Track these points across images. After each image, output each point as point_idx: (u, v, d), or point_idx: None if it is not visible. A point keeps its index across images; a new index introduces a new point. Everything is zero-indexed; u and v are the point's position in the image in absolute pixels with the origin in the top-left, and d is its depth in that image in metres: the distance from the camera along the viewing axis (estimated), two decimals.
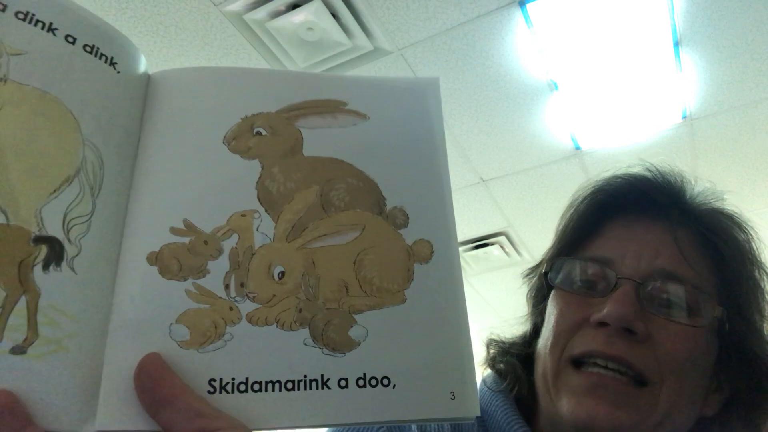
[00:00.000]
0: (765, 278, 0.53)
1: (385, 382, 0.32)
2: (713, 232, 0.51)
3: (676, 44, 2.32)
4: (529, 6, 2.14)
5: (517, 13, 2.17)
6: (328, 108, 0.37)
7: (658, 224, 0.52)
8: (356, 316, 0.33)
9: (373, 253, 0.35)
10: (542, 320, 0.55)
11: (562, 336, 0.50)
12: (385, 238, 0.35)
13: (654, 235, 0.51)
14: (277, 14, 2.15)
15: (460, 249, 3.73)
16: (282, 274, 0.33)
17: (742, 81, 2.52)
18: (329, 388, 0.32)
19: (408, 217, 0.36)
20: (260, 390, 0.31)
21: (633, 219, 0.53)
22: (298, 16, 2.13)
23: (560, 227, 0.58)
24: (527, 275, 0.61)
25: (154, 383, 0.28)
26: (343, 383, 0.32)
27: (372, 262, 0.34)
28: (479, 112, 2.66)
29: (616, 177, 0.56)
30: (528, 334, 0.58)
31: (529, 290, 0.60)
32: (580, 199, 0.57)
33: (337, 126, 0.37)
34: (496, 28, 2.23)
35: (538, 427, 0.52)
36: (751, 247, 0.53)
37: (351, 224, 0.35)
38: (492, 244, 3.68)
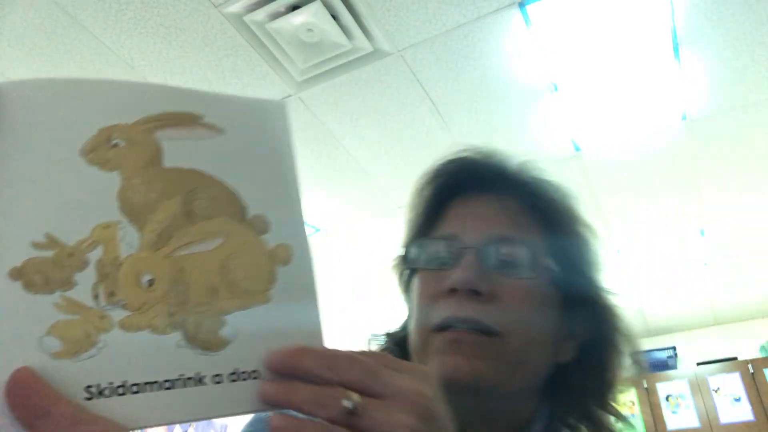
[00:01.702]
0: (590, 233, 0.60)
1: (255, 375, 0.35)
2: (537, 197, 0.58)
3: (676, 45, 2.32)
4: (528, 7, 2.14)
5: (517, 14, 2.17)
6: (185, 120, 0.39)
7: (490, 197, 0.58)
8: (226, 317, 0.36)
9: (238, 258, 0.37)
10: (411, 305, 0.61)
11: (424, 309, 0.56)
12: (247, 243, 0.38)
13: (487, 207, 0.58)
14: (277, 15, 2.15)
15: None
16: (151, 281, 0.35)
17: (741, 82, 2.52)
18: (205, 384, 0.34)
19: (268, 224, 0.38)
20: (138, 391, 0.32)
21: (469, 196, 0.59)
22: (298, 18, 2.13)
23: (409, 214, 0.63)
24: (394, 266, 0.65)
25: (26, 396, 0.29)
26: (217, 379, 0.34)
27: (237, 267, 0.37)
28: (479, 113, 2.66)
29: (449, 161, 0.62)
30: (403, 322, 0.63)
31: (398, 279, 0.64)
32: (422, 186, 0.63)
33: (194, 138, 0.38)
34: (495, 30, 2.24)
35: None
36: (572, 207, 0.60)
37: (215, 232, 0.37)
38: None
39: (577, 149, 2.91)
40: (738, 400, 4.48)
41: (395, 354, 0.59)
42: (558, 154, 2.94)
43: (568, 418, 0.57)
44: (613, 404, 0.59)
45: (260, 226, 0.38)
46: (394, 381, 0.33)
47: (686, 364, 4.92)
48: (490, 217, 0.57)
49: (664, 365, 4.89)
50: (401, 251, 0.62)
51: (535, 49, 2.32)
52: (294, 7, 2.11)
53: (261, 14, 2.13)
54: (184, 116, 0.39)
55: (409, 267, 0.60)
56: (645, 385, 4.78)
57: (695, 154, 2.97)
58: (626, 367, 0.61)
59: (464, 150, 0.63)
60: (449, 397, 0.47)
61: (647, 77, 2.49)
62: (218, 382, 0.34)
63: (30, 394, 0.29)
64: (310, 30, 2.19)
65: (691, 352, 4.99)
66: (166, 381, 0.33)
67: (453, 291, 0.53)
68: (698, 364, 4.77)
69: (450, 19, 2.19)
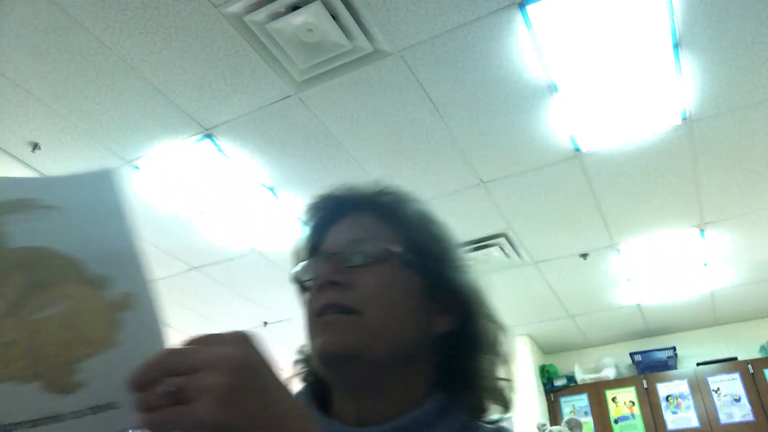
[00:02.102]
0: (442, 229, 0.74)
1: (113, 405, 0.43)
2: (386, 207, 0.72)
3: (676, 46, 2.32)
4: (528, 8, 2.14)
5: (517, 15, 2.17)
6: (20, 206, 0.45)
7: (348, 217, 0.72)
8: (79, 364, 0.43)
9: (82, 314, 0.44)
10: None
11: (306, 307, 0.68)
12: (89, 300, 0.45)
13: (346, 223, 0.71)
14: (277, 16, 2.15)
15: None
16: (10, 342, 0.42)
17: (741, 83, 2.52)
18: (63, 420, 0.42)
19: (106, 279, 0.45)
20: (12, 431, 0.40)
21: (336, 220, 0.73)
22: (298, 18, 2.13)
23: (296, 247, 0.77)
24: (296, 293, 0.76)
25: None
26: (77, 414, 0.42)
27: (82, 322, 0.44)
28: (479, 113, 2.66)
29: (320, 198, 0.77)
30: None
31: (300, 301, 0.75)
32: (305, 220, 0.77)
33: (35, 219, 0.45)
34: (495, 30, 2.24)
35: (333, 407, 0.68)
36: (420, 209, 0.75)
37: (62, 296, 0.44)
38: (492, 245, 3.68)
39: (577, 149, 2.91)
40: (738, 400, 4.48)
41: (310, 367, 0.72)
42: (558, 154, 2.94)
43: (464, 404, 0.66)
44: (496, 370, 0.69)
45: (99, 283, 0.45)
46: (205, 353, 0.41)
47: (686, 365, 4.92)
48: (346, 230, 0.71)
49: (664, 365, 4.89)
50: (292, 278, 0.74)
51: (535, 49, 2.32)
52: (294, 8, 2.11)
53: (261, 14, 2.13)
54: (18, 203, 0.45)
55: (298, 284, 0.73)
56: (645, 386, 4.78)
57: (695, 155, 2.97)
58: (500, 341, 0.71)
59: (330, 188, 0.76)
60: (331, 370, 0.63)
61: (647, 77, 2.49)
62: (77, 417, 0.42)
63: None
64: (310, 30, 2.19)
65: (691, 352, 4.99)
66: (31, 421, 0.41)
67: (321, 287, 0.65)
68: (698, 364, 4.77)
69: (450, 20, 2.19)
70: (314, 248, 0.73)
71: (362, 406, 0.64)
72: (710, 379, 4.62)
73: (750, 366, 4.57)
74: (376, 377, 0.63)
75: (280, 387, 0.44)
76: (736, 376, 4.57)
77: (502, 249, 3.72)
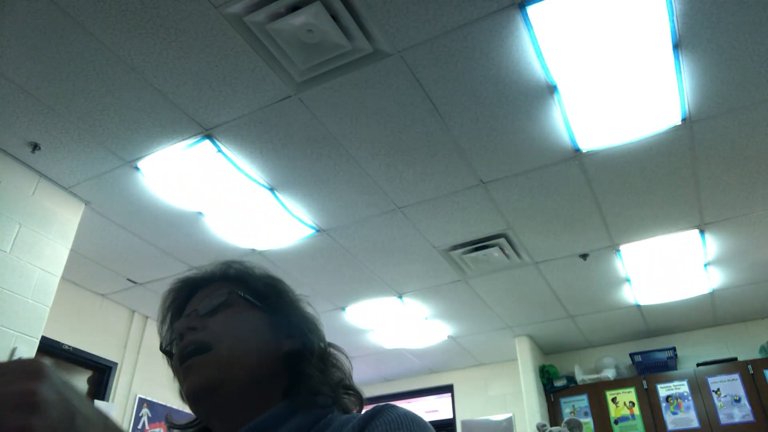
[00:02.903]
0: (271, 280, 0.88)
1: None
2: (231, 273, 0.86)
3: (676, 46, 2.32)
4: (529, 8, 2.14)
5: (517, 16, 2.17)
6: None
7: (202, 291, 0.84)
8: None
9: None
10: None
11: (174, 364, 0.78)
12: None
13: (198, 294, 0.84)
14: (277, 16, 2.15)
15: (461, 251, 3.73)
16: None
17: (741, 83, 2.52)
18: None
19: None
20: None
21: (192, 295, 0.85)
22: (298, 19, 2.13)
23: (158, 320, 0.87)
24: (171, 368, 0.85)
25: None
26: None
27: None
28: (479, 114, 2.66)
29: (180, 280, 0.88)
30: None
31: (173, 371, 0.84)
32: (165, 306, 0.87)
33: None
34: (495, 31, 2.24)
35: None
36: (259, 268, 0.89)
37: None
38: (492, 246, 3.68)
39: (577, 149, 2.91)
40: (738, 401, 4.48)
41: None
42: (558, 155, 2.94)
43: (313, 405, 0.75)
44: (332, 375, 0.81)
45: None
46: None
47: (686, 365, 4.92)
48: (198, 297, 0.83)
49: (663, 366, 4.89)
50: (163, 350, 0.85)
51: (535, 50, 2.32)
52: (294, 8, 2.11)
53: (261, 15, 2.13)
54: None
55: (166, 355, 0.83)
56: (645, 386, 4.78)
57: (695, 155, 2.97)
58: (330, 353, 0.83)
59: (187, 272, 0.88)
60: (200, 405, 0.73)
61: (647, 78, 2.49)
62: None
63: None
64: (310, 31, 2.19)
65: (691, 352, 4.99)
66: None
67: (181, 336, 0.77)
68: (698, 364, 4.77)
69: (450, 20, 2.19)
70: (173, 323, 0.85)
71: (230, 426, 0.72)
72: (710, 380, 4.62)
73: (750, 366, 4.56)
74: (238, 400, 0.73)
75: (89, 418, 0.39)
76: (736, 376, 4.57)
77: (502, 249, 3.72)
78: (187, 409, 0.75)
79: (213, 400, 0.72)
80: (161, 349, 0.84)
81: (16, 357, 2.77)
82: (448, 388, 5.87)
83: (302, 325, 0.83)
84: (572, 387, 5.04)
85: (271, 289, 0.86)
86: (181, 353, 0.75)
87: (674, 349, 4.95)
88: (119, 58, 2.32)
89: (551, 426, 4.31)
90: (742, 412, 4.43)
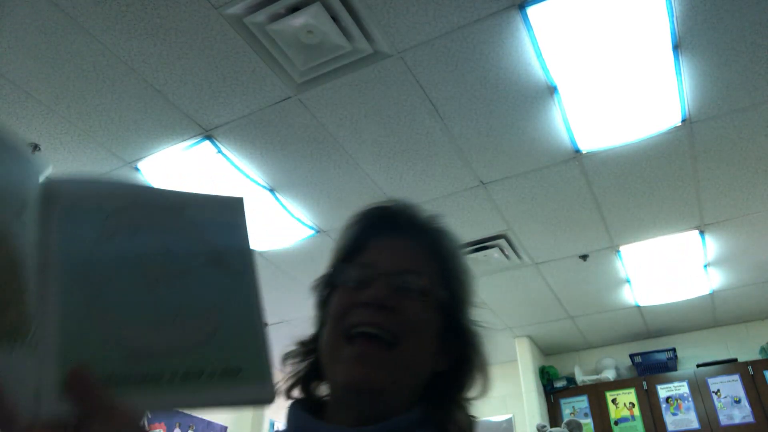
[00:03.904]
0: (469, 276, 0.78)
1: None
2: (436, 244, 0.76)
3: (676, 47, 2.32)
4: (528, 9, 2.14)
5: (517, 16, 2.17)
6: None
7: (402, 239, 0.75)
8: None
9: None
10: (324, 317, 0.75)
11: (338, 316, 0.69)
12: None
13: (399, 246, 0.75)
14: (277, 17, 2.15)
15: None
16: None
17: (740, 84, 2.52)
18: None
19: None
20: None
21: (386, 236, 0.76)
22: (298, 19, 2.13)
23: (339, 242, 0.79)
24: (314, 285, 0.79)
25: (81, 382, 0.41)
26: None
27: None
28: (479, 115, 2.66)
29: (375, 208, 0.80)
30: (315, 332, 0.78)
31: (317, 297, 0.78)
32: (353, 222, 0.79)
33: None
34: (495, 31, 2.24)
35: (328, 410, 0.71)
36: (459, 253, 0.79)
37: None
38: (491, 246, 3.68)
39: (577, 150, 2.91)
40: (738, 401, 4.48)
41: (304, 361, 0.75)
42: (558, 156, 2.94)
43: (437, 416, 0.70)
44: (468, 407, 0.74)
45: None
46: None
47: (686, 366, 4.91)
48: (399, 254, 0.74)
49: (663, 367, 4.89)
50: (327, 272, 0.77)
51: (535, 51, 2.32)
52: (294, 9, 2.12)
53: (261, 16, 2.13)
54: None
55: (332, 285, 0.75)
56: (645, 387, 4.77)
57: (695, 156, 2.97)
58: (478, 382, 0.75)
59: (387, 201, 0.81)
60: (351, 398, 0.66)
61: (647, 79, 2.49)
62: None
63: (86, 387, 0.41)
64: (310, 32, 2.19)
65: (691, 353, 4.98)
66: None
67: (366, 305, 0.68)
68: (698, 365, 4.76)
69: (450, 21, 2.19)
70: (357, 255, 0.75)
71: (361, 415, 0.67)
72: (710, 381, 4.61)
73: (750, 367, 4.56)
74: (383, 405, 0.67)
75: None
76: (737, 377, 4.57)
77: (502, 250, 3.72)
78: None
79: (369, 398, 0.66)
80: (327, 281, 0.76)
81: None
82: None
83: (469, 345, 0.74)
84: (572, 388, 5.04)
85: (460, 290, 0.76)
86: (362, 324, 0.66)
87: (674, 350, 4.95)
88: (119, 58, 2.32)
89: (551, 427, 4.31)
90: (742, 413, 4.43)
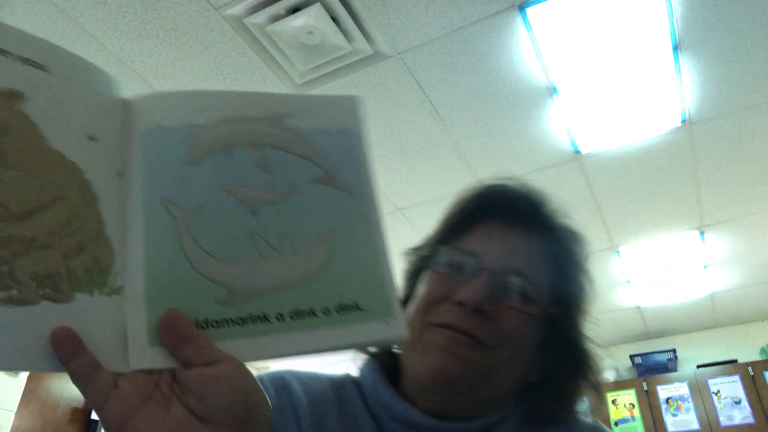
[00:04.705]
0: (588, 283, 0.67)
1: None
2: (557, 243, 0.65)
3: (676, 48, 2.32)
4: (528, 10, 2.14)
5: (517, 17, 2.18)
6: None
7: (518, 230, 0.65)
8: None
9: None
10: (411, 294, 0.67)
11: (428, 305, 0.62)
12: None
13: (514, 238, 0.64)
14: (277, 18, 2.15)
15: None
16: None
17: (741, 85, 2.52)
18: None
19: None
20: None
21: (501, 222, 0.65)
22: (298, 20, 2.14)
23: (443, 219, 0.70)
24: (408, 254, 0.72)
25: (177, 327, 0.37)
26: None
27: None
28: (479, 115, 2.66)
29: (493, 186, 0.69)
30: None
31: (407, 268, 0.71)
32: (462, 200, 0.69)
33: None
34: (495, 32, 2.24)
35: (401, 387, 0.64)
36: (582, 257, 0.67)
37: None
38: None
39: (577, 151, 2.91)
40: (738, 402, 4.48)
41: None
42: (558, 156, 2.94)
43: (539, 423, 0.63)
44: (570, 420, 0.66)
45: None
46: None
47: (686, 367, 4.91)
48: (512, 248, 0.63)
49: (664, 368, 4.88)
50: (425, 246, 0.69)
51: (534, 51, 2.32)
52: (294, 10, 2.12)
53: (261, 17, 2.13)
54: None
55: (426, 263, 0.66)
56: (645, 388, 4.77)
57: (695, 157, 2.97)
58: (584, 396, 0.68)
59: (508, 179, 0.69)
60: (431, 389, 0.59)
61: (647, 80, 2.49)
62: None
63: (180, 327, 0.37)
64: (310, 32, 2.19)
65: (691, 354, 4.99)
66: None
67: (460, 304, 0.59)
68: (698, 366, 4.77)
69: (450, 22, 2.19)
70: (462, 236, 0.66)
71: (444, 406, 0.61)
72: (710, 382, 4.61)
73: (750, 368, 4.56)
74: (464, 405, 0.61)
75: None
76: (737, 378, 4.57)
77: None
78: None
79: (450, 391, 0.59)
80: (422, 257, 0.67)
81: None
82: None
83: (570, 360, 0.65)
84: None
85: (574, 306, 0.66)
86: (454, 326, 0.58)
87: (674, 350, 4.95)
88: (119, 59, 2.32)
89: None
90: (742, 414, 4.43)
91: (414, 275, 0.69)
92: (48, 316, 0.34)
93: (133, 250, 0.37)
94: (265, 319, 0.37)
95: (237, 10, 2.12)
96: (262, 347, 0.37)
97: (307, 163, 0.43)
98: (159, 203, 0.38)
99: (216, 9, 2.12)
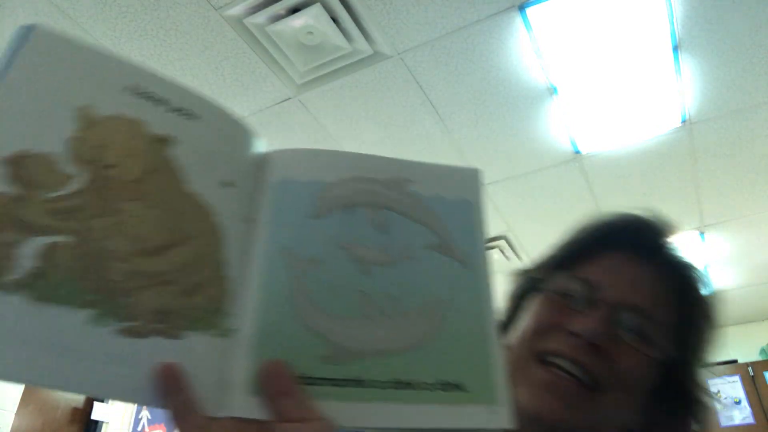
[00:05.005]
0: (712, 332, 0.64)
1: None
2: (683, 283, 0.62)
3: (676, 48, 2.32)
4: (528, 10, 2.14)
5: (517, 18, 2.18)
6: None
7: (643, 264, 0.61)
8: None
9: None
10: (514, 317, 0.64)
11: (537, 333, 0.58)
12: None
13: (637, 272, 0.60)
14: (277, 18, 2.15)
15: None
16: None
17: (741, 85, 2.52)
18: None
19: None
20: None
21: (625, 254, 0.62)
22: (298, 20, 2.14)
23: (562, 243, 0.66)
24: (517, 275, 0.69)
25: (279, 378, 0.36)
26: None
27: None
28: (479, 116, 2.66)
29: (625, 217, 0.66)
30: (502, 322, 0.67)
31: (515, 288, 0.67)
32: (588, 227, 0.66)
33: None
34: (495, 33, 2.24)
35: None
36: (709, 305, 0.63)
37: None
38: (492, 248, 3.68)
39: (577, 152, 2.91)
40: (738, 403, 4.48)
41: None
42: (558, 157, 2.94)
43: None
44: None
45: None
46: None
47: None
48: (635, 284, 0.59)
49: None
50: (537, 269, 0.65)
51: (534, 51, 2.33)
52: (294, 10, 2.12)
53: (261, 17, 2.13)
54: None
55: (537, 287, 0.63)
56: None
57: (695, 157, 2.97)
58: None
59: (642, 209, 0.67)
60: (529, 424, 0.53)
61: (647, 80, 2.49)
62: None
63: (279, 378, 0.36)
64: (310, 33, 2.19)
65: None
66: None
67: (575, 335, 0.55)
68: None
69: (450, 22, 2.19)
70: (581, 268, 0.62)
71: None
72: (710, 382, 4.61)
73: (750, 368, 4.56)
74: None
75: None
76: (737, 378, 4.56)
77: (502, 251, 3.72)
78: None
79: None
80: (536, 280, 0.63)
81: None
82: None
83: (682, 407, 0.62)
84: None
85: (694, 351, 0.62)
86: (565, 361, 0.54)
87: None
88: None
89: None
90: (742, 414, 4.43)
91: (520, 298, 0.66)
92: (156, 350, 0.34)
93: (248, 295, 0.38)
94: (364, 383, 0.36)
95: (237, 10, 2.12)
96: (356, 413, 0.36)
97: (424, 229, 0.43)
98: (279, 252, 0.39)
99: (216, 9, 2.12)
